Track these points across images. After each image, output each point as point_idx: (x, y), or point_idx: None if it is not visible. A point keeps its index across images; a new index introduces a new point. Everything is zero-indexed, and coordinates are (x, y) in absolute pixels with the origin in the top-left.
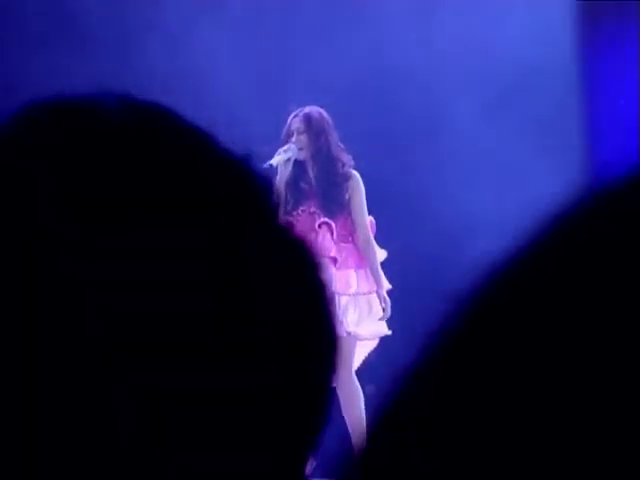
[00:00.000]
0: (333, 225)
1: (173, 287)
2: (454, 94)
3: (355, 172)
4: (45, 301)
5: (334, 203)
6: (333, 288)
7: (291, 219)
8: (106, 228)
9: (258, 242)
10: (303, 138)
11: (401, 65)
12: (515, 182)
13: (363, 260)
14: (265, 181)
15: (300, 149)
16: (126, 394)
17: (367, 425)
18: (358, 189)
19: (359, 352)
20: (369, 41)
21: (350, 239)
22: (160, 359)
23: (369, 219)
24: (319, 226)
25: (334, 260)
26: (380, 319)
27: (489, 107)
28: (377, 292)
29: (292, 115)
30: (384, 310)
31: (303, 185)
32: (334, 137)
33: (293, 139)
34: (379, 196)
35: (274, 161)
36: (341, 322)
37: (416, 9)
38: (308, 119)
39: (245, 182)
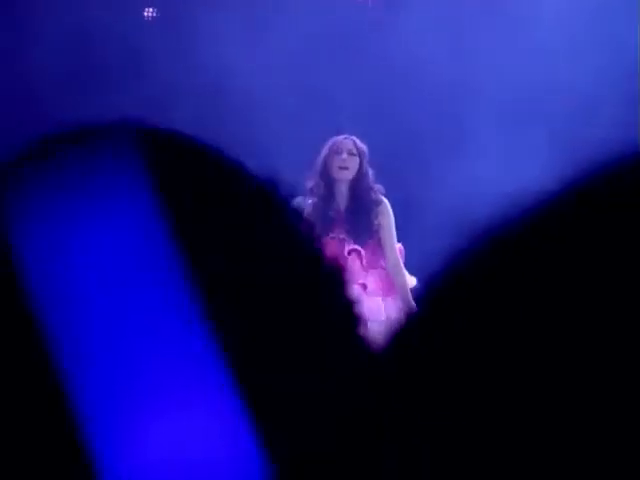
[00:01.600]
0: (362, 252)
1: None
2: (480, 117)
3: (385, 199)
4: None
5: (363, 229)
6: (363, 315)
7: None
8: None
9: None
10: (354, 160)
11: (425, 90)
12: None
13: (392, 287)
14: (296, 210)
15: (346, 169)
16: None
17: None
18: (388, 215)
19: None
20: (392, 66)
21: (379, 266)
22: None
23: (398, 246)
24: (348, 253)
25: (364, 287)
26: None
27: (514, 127)
28: None
29: (341, 137)
30: None
31: (331, 212)
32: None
33: (344, 156)
34: (407, 223)
35: None
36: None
37: (443, 36)
38: (357, 144)
39: (275, 210)
